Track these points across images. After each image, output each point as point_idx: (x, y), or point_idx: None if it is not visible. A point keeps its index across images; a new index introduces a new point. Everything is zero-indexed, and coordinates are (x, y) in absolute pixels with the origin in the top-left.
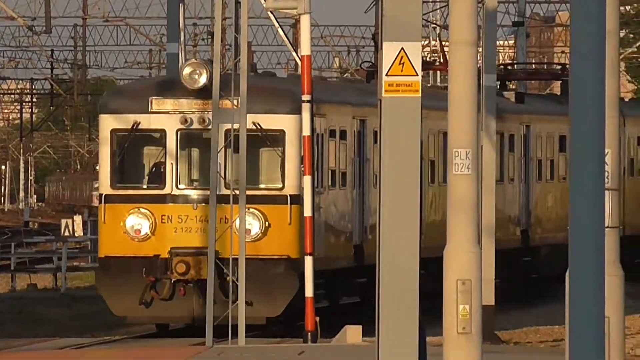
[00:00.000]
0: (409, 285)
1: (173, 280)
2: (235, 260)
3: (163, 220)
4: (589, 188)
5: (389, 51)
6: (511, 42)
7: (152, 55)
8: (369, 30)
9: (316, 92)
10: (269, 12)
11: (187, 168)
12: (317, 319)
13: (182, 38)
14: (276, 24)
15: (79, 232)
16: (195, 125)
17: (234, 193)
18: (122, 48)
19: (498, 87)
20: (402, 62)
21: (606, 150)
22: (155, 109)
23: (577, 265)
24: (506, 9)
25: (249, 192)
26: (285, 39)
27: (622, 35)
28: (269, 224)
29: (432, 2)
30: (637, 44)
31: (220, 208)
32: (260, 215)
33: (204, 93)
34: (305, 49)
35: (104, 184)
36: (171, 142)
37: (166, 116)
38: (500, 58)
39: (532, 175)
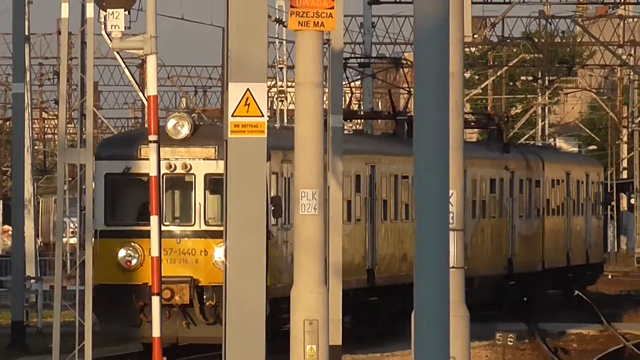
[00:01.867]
0: (255, 326)
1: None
2: (213, 287)
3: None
4: (433, 229)
5: (235, 92)
6: (357, 82)
7: None
8: (216, 71)
9: (285, 140)
10: (115, 52)
11: (172, 207)
12: (165, 359)
13: (27, 78)
14: (122, 64)
15: None
16: (179, 170)
17: (211, 229)
18: None
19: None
20: (247, 102)
21: (450, 191)
22: (144, 156)
23: (422, 306)
24: (352, 50)
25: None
26: (132, 79)
27: (467, 76)
28: None
29: (279, 42)
30: (483, 85)
31: (202, 241)
32: None
33: (186, 142)
34: (151, 89)
35: (99, 221)
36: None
37: None
38: (347, 98)
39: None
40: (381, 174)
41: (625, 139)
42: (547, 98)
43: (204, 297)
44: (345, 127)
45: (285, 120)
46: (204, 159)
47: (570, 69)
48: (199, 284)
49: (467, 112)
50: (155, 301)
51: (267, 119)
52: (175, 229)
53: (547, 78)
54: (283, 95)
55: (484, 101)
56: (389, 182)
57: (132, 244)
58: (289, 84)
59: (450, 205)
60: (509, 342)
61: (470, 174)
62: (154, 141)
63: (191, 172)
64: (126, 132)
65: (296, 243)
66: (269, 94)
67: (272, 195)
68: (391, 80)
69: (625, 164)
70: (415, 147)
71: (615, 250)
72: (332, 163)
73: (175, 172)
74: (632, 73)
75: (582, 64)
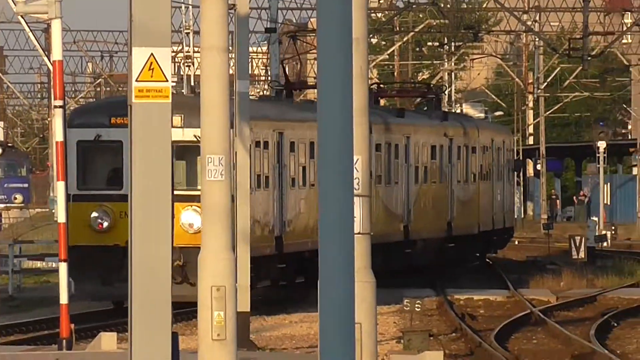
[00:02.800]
0: (161, 291)
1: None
2: (181, 248)
3: (121, 216)
4: (338, 194)
5: (139, 57)
6: (264, 48)
7: None
8: (122, 36)
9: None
10: (19, 17)
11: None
12: (73, 326)
13: None
14: (27, 29)
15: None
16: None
17: (178, 194)
18: None
19: (375, 102)
20: (151, 67)
21: (355, 157)
22: (115, 124)
23: (327, 272)
24: (259, 15)
25: (191, 193)
26: (37, 43)
27: (373, 42)
28: None
29: (185, 6)
30: (389, 51)
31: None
32: (200, 211)
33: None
34: (56, 54)
35: (72, 185)
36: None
37: (123, 130)
38: (254, 64)
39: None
40: (289, 140)
41: (530, 104)
42: (453, 64)
43: (172, 257)
44: (252, 93)
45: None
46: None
47: (476, 35)
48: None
49: (408, 81)
50: (63, 268)
51: (173, 84)
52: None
53: (453, 44)
54: (190, 60)
55: (391, 67)
56: (302, 149)
57: (104, 206)
58: (196, 49)
59: (355, 170)
60: (416, 308)
61: (413, 140)
62: (59, 106)
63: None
64: (97, 100)
65: (203, 209)
66: (176, 59)
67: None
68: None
69: (531, 129)
70: (318, 113)
71: (522, 216)
72: (238, 129)
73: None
74: (537, 39)
75: (488, 30)
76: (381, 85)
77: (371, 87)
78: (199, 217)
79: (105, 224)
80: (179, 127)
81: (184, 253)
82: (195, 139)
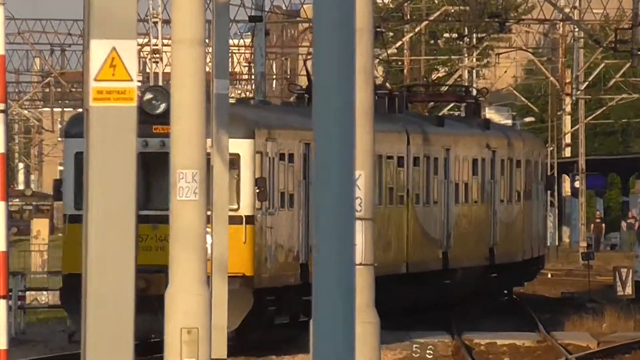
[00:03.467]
0: (122, 334)
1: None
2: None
3: None
4: (336, 217)
5: (98, 51)
6: (247, 40)
7: None
8: (76, 25)
9: (267, 117)
10: None
11: (147, 190)
12: None
13: None
14: None
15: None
16: (155, 149)
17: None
18: None
19: (405, 108)
20: (113, 64)
21: (357, 173)
22: None
23: (322, 311)
24: (241, 2)
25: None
26: None
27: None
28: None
29: None
30: (398, 44)
31: None
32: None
33: (163, 118)
34: None
35: (69, 204)
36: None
37: None
38: (235, 60)
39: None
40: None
41: (568, 109)
42: (474, 59)
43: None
44: (232, 95)
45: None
46: None
47: (503, 25)
48: None
49: (443, 84)
50: (2, 306)
51: (138, 83)
52: (151, 213)
53: (475, 35)
54: (158, 55)
55: (400, 63)
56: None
57: None
58: (165, 41)
59: (357, 188)
60: (427, 355)
61: (453, 153)
62: (1, 110)
63: (169, 150)
64: None
65: (172, 234)
66: (141, 53)
67: (256, 176)
68: (287, 37)
69: (568, 139)
70: (314, 119)
71: (557, 243)
72: (216, 138)
73: (151, 150)
74: (576, 29)
75: (518, 19)
76: (411, 89)
77: (401, 89)
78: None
79: None
80: None
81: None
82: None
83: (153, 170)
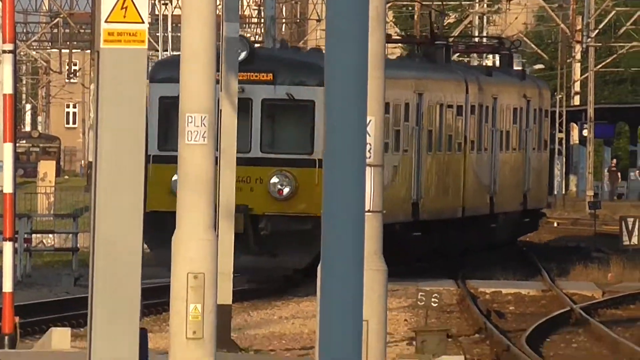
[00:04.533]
0: (129, 277)
1: None
2: (269, 217)
3: None
4: (345, 163)
5: None
6: None
7: None
8: None
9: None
10: None
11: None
12: (17, 319)
13: None
14: None
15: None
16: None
17: (268, 157)
18: None
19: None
20: (125, 6)
21: (368, 118)
22: None
23: (330, 257)
24: None
25: (282, 156)
26: None
27: None
28: (298, 185)
29: None
30: None
31: (257, 169)
32: (292, 177)
33: (243, 66)
34: None
35: (152, 146)
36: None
37: None
38: (245, 3)
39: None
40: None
41: (578, 56)
42: (485, 6)
43: (259, 226)
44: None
45: (170, 29)
46: (262, 83)
47: None
48: (253, 213)
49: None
50: (8, 248)
51: (148, 25)
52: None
53: None
54: None
55: (410, 9)
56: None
57: None
58: None
59: (367, 135)
60: (432, 303)
61: (499, 102)
62: (9, 51)
63: (248, 96)
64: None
65: (180, 178)
66: None
67: None
68: None
69: (577, 87)
70: (326, 64)
71: (563, 192)
72: (225, 82)
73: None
74: None
75: None
76: (451, 40)
77: (446, 41)
78: (289, 181)
79: None
80: (271, 84)
81: (271, 222)
82: (287, 97)
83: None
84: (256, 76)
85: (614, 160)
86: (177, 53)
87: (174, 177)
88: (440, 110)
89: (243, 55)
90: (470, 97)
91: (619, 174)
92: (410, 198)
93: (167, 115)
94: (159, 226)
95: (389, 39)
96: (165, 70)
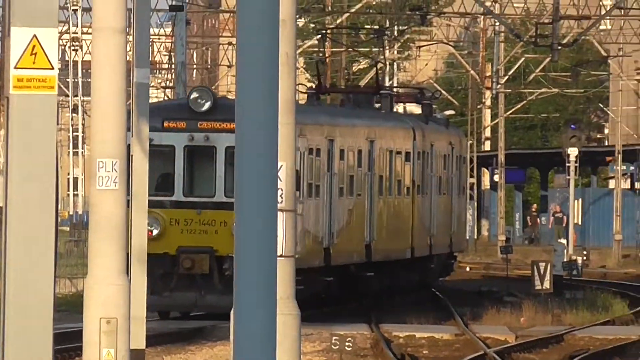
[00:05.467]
0: (41, 323)
1: (180, 274)
2: (232, 257)
3: (172, 223)
4: (258, 208)
5: (18, 38)
6: (168, 30)
7: None
8: None
9: (299, 115)
10: None
11: (192, 179)
12: None
13: None
14: None
15: None
16: (200, 142)
17: (231, 201)
18: None
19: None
20: (34, 52)
21: (280, 163)
22: (167, 128)
23: (243, 302)
24: None
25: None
26: None
27: (300, 25)
28: None
29: None
30: (319, 36)
31: (222, 213)
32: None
33: (207, 115)
34: None
35: None
36: (179, 156)
37: (176, 134)
38: (155, 49)
39: None
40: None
41: (488, 103)
42: (396, 52)
43: (223, 267)
44: (153, 84)
45: (80, 74)
46: (225, 132)
47: (424, 18)
48: (218, 254)
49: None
50: None
51: (58, 71)
52: (196, 200)
53: (396, 28)
54: (77, 43)
55: (321, 54)
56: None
57: (153, 213)
58: (85, 29)
59: (279, 179)
60: (346, 347)
61: (435, 149)
62: None
63: (212, 144)
64: (150, 103)
65: (91, 223)
66: (61, 41)
67: None
68: (209, 27)
69: (488, 133)
70: (236, 110)
71: (475, 237)
72: (136, 128)
73: (197, 144)
74: (497, 23)
75: (439, 12)
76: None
77: (390, 91)
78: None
79: (155, 232)
80: (234, 132)
81: (230, 262)
82: None
83: (198, 162)
84: (219, 125)
85: (535, 206)
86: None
87: None
88: (390, 157)
89: (207, 105)
90: (417, 143)
91: (539, 219)
92: (363, 240)
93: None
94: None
95: (334, 88)
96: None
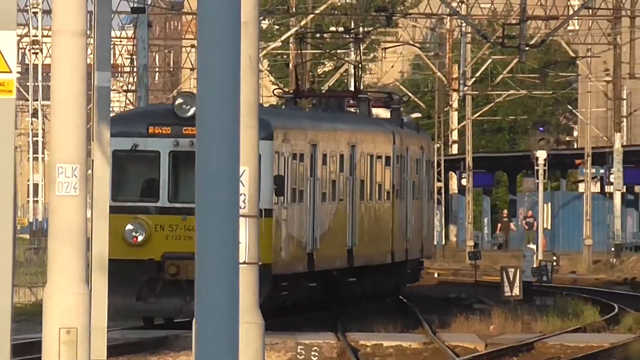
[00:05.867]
0: None
1: (165, 280)
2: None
3: (157, 229)
4: (218, 214)
5: None
6: (130, 32)
7: None
8: None
9: (283, 120)
10: None
11: (177, 184)
12: None
13: None
14: None
15: None
16: (185, 148)
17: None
18: None
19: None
20: None
21: (242, 168)
22: (151, 133)
23: (204, 310)
24: None
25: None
26: None
27: (264, 26)
28: None
29: None
30: (283, 38)
31: None
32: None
33: (193, 120)
34: None
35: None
36: (164, 161)
37: (161, 140)
38: (117, 52)
39: None
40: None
41: (455, 105)
42: (361, 54)
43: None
44: (114, 87)
45: (41, 78)
46: None
47: (390, 19)
48: None
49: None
50: None
51: (17, 75)
52: (181, 205)
53: (361, 29)
54: (37, 46)
55: (285, 57)
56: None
57: (139, 219)
58: (45, 32)
59: (241, 184)
60: (312, 357)
61: (410, 153)
62: None
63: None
64: (134, 109)
65: (50, 230)
66: (20, 44)
67: (274, 174)
68: (171, 29)
69: (455, 136)
70: (197, 113)
71: (443, 242)
72: (97, 132)
73: (181, 149)
74: (464, 24)
75: (404, 13)
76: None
77: (367, 95)
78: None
79: (140, 238)
80: None
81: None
82: None
83: (183, 167)
84: None
85: (505, 211)
86: (129, 109)
87: (128, 226)
88: (371, 161)
89: (192, 111)
90: (396, 148)
91: (512, 224)
92: (345, 245)
93: (120, 168)
94: (113, 274)
95: (310, 92)
96: (119, 125)
